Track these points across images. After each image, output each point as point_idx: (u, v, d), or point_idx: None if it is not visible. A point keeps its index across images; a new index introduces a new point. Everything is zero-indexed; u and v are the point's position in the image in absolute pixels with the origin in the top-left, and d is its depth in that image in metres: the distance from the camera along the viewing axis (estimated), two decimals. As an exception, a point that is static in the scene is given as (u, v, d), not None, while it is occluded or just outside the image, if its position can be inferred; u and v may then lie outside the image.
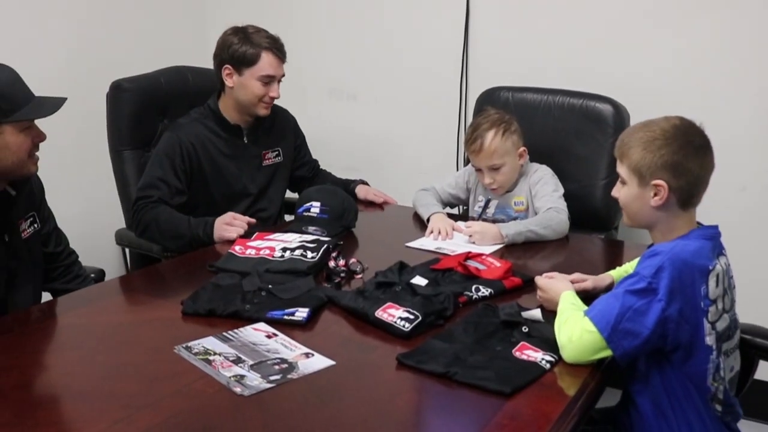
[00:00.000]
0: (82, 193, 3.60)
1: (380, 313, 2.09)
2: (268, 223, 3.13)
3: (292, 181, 3.43)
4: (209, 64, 3.15)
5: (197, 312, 2.15)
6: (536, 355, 1.90)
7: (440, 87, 3.89)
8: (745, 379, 2.16)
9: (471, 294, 2.27)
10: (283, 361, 1.89)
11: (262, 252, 2.54)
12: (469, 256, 2.48)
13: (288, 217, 3.35)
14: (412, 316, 2.05)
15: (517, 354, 1.91)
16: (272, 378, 1.81)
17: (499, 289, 2.32)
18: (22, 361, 1.94)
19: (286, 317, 2.11)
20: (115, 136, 3.28)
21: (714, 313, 1.92)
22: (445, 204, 3.22)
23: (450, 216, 3.02)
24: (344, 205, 2.91)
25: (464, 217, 3.20)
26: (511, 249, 2.76)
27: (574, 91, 3.35)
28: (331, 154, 3.79)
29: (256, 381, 1.79)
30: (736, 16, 3.26)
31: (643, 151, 1.98)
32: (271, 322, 2.09)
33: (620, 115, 3.20)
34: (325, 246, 2.56)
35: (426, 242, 2.82)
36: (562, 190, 3.00)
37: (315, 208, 2.86)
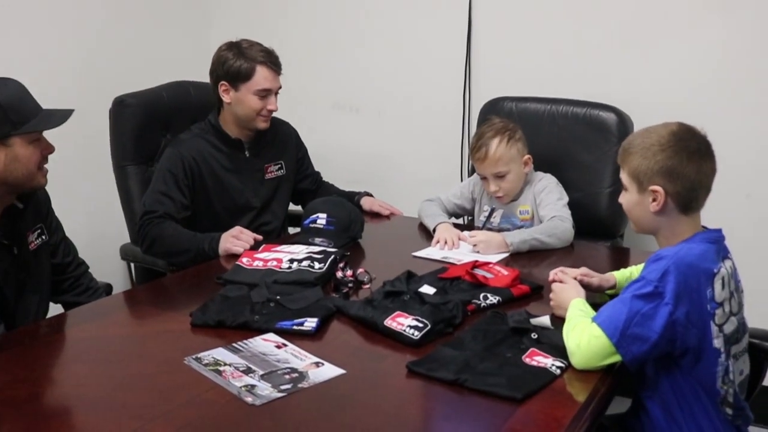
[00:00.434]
0: (87, 209, 3.61)
1: (389, 322, 2.09)
2: (271, 236, 3.13)
3: (296, 194, 3.43)
4: (211, 79, 3.16)
5: (206, 323, 2.15)
6: (546, 361, 1.90)
7: (443, 98, 3.90)
8: (754, 384, 2.16)
9: (479, 302, 2.27)
10: (294, 370, 1.89)
11: (269, 263, 2.55)
12: (476, 264, 2.49)
13: (291, 230, 3.35)
14: (421, 325, 2.05)
15: (527, 360, 1.91)
16: (283, 387, 1.81)
17: (507, 297, 2.32)
18: (34, 373, 1.95)
19: (295, 327, 2.11)
20: (118, 151, 3.29)
21: (721, 315, 1.92)
22: (451, 214, 3.23)
23: (455, 226, 3.03)
24: (350, 217, 2.91)
25: (470, 227, 3.20)
26: (516, 257, 2.76)
27: (577, 100, 3.37)
28: (335, 166, 3.79)
29: (266, 390, 1.79)
30: (741, 24, 3.28)
31: (641, 158, 2.01)
32: (281, 333, 2.09)
33: (624, 123, 3.22)
34: (333, 257, 2.56)
35: (432, 252, 2.82)
36: (566, 199, 3.01)
37: (321, 219, 2.86)
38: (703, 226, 2.06)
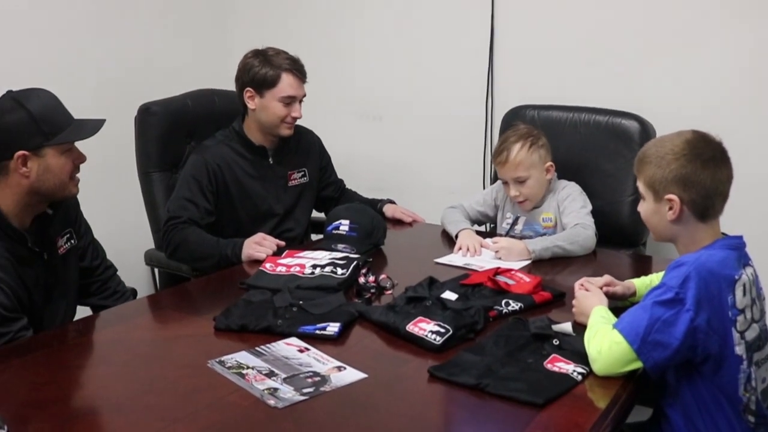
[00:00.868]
0: (112, 214, 3.64)
1: (411, 327, 2.10)
2: (294, 243, 3.14)
3: (319, 201, 3.45)
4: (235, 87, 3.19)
5: (229, 327, 2.17)
6: (568, 367, 1.90)
7: (466, 107, 3.91)
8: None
9: (501, 308, 2.27)
10: (316, 374, 1.91)
11: (292, 269, 2.57)
12: (498, 271, 2.49)
13: (314, 237, 3.37)
14: (443, 330, 2.06)
15: (549, 366, 1.91)
16: (305, 391, 1.82)
17: (529, 304, 2.32)
18: (60, 375, 1.97)
19: (317, 332, 2.13)
20: (143, 158, 3.32)
21: (742, 322, 1.92)
22: (473, 221, 3.24)
23: (477, 233, 3.04)
24: (373, 223, 2.93)
25: (492, 234, 3.21)
26: (538, 264, 2.77)
27: (599, 108, 3.37)
28: (358, 174, 3.82)
29: (289, 393, 1.81)
30: (763, 32, 3.26)
31: (655, 167, 2.02)
32: (303, 337, 2.11)
33: (646, 131, 3.22)
34: (355, 263, 2.58)
35: (455, 258, 2.83)
36: (590, 207, 3.01)
37: (344, 226, 2.88)
38: (723, 233, 2.06)
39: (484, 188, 3.74)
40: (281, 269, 2.58)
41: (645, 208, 2.09)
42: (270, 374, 1.90)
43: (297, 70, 3.09)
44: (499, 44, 3.79)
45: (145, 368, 2.03)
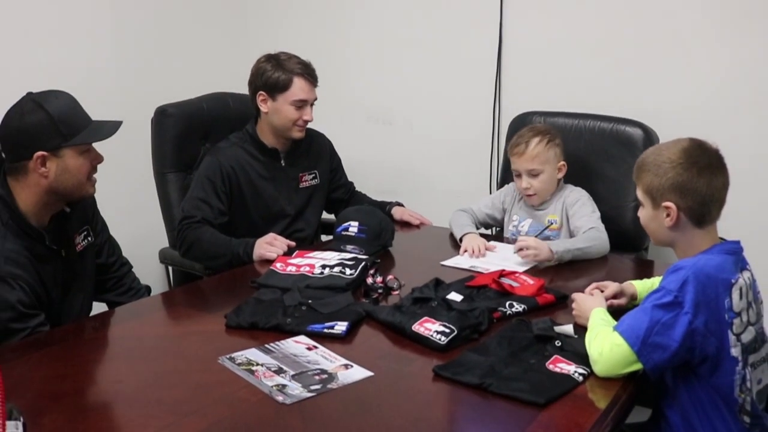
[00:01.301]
0: (128, 213, 3.67)
1: (417, 327, 2.14)
2: (304, 243, 3.17)
3: (329, 202, 3.50)
4: (249, 91, 3.23)
5: (240, 325, 2.22)
6: (569, 368, 1.94)
7: (474, 112, 3.94)
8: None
9: (505, 310, 2.31)
10: (324, 371, 1.95)
11: (302, 269, 2.61)
12: (503, 273, 2.53)
13: (324, 238, 3.41)
14: (448, 330, 2.10)
15: (551, 366, 1.95)
16: (313, 387, 1.86)
17: (533, 306, 2.36)
18: (75, 369, 2.03)
19: (326, 330, 2.17)
20: (159, 159, 3.37)
21: (739, 325, 1.96)
22: (481, 224, 3.29)
23: (483, 236, 3.07)
24: (381, 225, 2.97)
25: (498, 237, 3.25)
26: (543, 267, 2.80)
27: (604, 115, 3.40)
28: (368, 177, 3.85)
29: (297, 390, 1.85)
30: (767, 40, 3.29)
31: (653, 175, 2.06)
32: (312, 335, 2.15)
33: (650, 138, 3.24)
34: (363, 263, 2.62)
35: (461, 261, 2.87)
36: (599, 213, 3.06)
37: (353, 227, 2.92)
38: (721, 238, 2.09)
39: (490, 193, 3.77)
40: (291, 269, 2.62)
41: (644, 214, 2.14)
42: (279, 371, 1.94)
43: (308, 74, 3.13)
44: (507, 52, 3.82)
45: (158, 363, 2.07)
